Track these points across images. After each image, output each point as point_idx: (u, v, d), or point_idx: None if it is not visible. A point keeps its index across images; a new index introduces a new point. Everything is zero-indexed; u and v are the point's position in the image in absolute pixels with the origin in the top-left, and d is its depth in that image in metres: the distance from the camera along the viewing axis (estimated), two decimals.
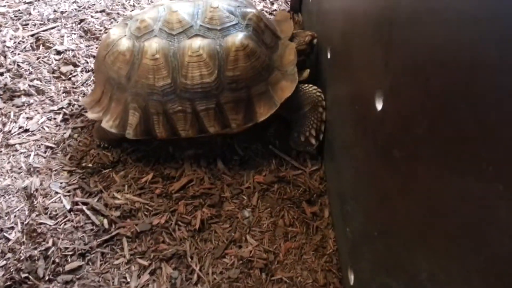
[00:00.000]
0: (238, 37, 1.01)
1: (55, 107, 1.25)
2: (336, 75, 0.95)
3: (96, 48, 1.43)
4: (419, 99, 0.47)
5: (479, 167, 0.35)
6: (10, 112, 1.24)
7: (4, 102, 1.27)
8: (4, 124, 1.20)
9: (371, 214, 0.64)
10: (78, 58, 1.39)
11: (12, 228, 0.98)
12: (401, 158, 0.51)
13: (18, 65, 1.36)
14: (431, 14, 0.44)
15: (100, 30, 1.49)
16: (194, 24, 1.03)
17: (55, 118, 1.23)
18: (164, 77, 1.01)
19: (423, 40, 0.46)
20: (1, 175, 1.08)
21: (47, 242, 0.93)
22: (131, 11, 1.60)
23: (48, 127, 1.20)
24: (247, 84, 1.03)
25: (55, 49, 1.42)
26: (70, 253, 0.92)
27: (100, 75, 1.10)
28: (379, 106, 0.59)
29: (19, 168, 1.09)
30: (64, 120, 1.22)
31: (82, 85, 1.32)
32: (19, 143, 1.15)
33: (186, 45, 1.00)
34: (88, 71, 1.36)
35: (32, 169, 1.09)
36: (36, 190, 1.03)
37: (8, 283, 0.87)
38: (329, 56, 1.01)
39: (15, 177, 1.07)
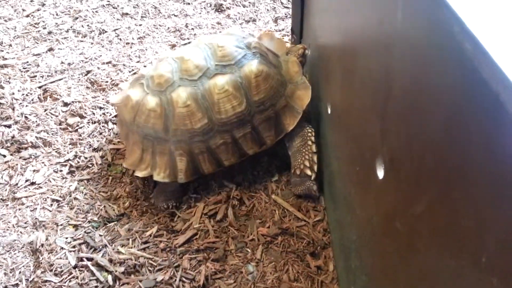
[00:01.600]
0: (253, 65, 1.10)
1: (61, 159, 1.27)
2: (336, 131, 0.98)
3: (103, 99, 1.48)
4: (416, 175, 0.49)
5: (474, 255, 0.36)
6: (17, 164, 1.26)
7: (11, 154, 1.30)
8: (11, 177, 1.23)
9: (374, 279, 0.65)
10: (85, 109, 1.43)
11: (17, 285, 0.98)
12: (403, 231, 0.52)
13: (26, 117, 1.40)
14: (425, 94, 0.47)
15: (107, 82, 1.54)
16: (210, 65, 1.11)
17: (61, 170, 1.25)
18: (200, 119, 1.08)
19: (417, 118, 0.49)
20: (7, 229, 1.09)
21: None
22: (136, 62, 1.65)
23: (54, 179, 1.22)
24: (272, 102, 1.13)
25: (62, 101, 1.46)
26: None
27: (133, 136, 1.13)
28: (380, 174, 0.61)
29: (25, 222, 1.11)
30: (70, 172, 1.24)
31: (88, 136, 1.35)
32: (26, 197, 1.17)
33: (211, 85, 1.08)
34: (94, 123, 1.40)
35: (38, 223, 1.10)
36: (42, 245, 1.04)
37: None
38: (329, 111, 1.04)
39: (21, 232, 1.08)
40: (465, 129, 0.38)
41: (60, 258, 1.02)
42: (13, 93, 1.48)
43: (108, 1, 2.02)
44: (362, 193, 0.72)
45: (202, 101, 1.08)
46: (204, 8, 2.00)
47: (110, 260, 1.01)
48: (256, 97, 1.11)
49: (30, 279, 0.98)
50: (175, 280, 0.97)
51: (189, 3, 2.03)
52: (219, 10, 1.98)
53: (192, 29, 1.84)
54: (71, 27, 1.84)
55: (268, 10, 2.00)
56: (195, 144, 1.09)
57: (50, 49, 1.71)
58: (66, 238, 1.06)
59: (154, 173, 1.10)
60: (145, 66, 1.60)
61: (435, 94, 0.44)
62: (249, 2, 2.01)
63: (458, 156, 0.40)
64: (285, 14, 1.97)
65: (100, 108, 1.45)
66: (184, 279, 0.98)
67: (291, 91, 1.17)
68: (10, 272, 1.00)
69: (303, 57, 1.29)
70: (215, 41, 1.14)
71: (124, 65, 1.63)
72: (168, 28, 1.86)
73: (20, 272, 1.00)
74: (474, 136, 0.37)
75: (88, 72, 1.59)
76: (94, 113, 1.43)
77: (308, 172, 1.13)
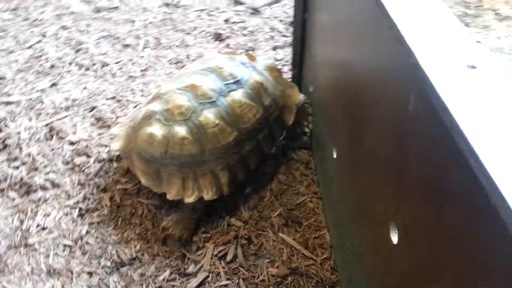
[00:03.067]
0: (256, 77, 1.30)
1: (71, 202, 1.29)
2: (343, 178, 1.01)
3: (108, 136, 1.50)
4: (435, 250, 0.52)
5: None
6: (27, 208, 1.28)
7: (20, 197, 1.32)
8: (21, 222, 1.24)
9: None
10: (91, 148, 1.45)
11: None
12: None
13: (33, 158, 1.42)
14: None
15: (111, 118, 1.57)
16: (221, 85, 1.24)
17: (71, 213, 1.27)
18: (230, 133, 1.20)
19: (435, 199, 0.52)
20: (22, 278, 1.11)
21: None
22: (140, 96, 1.68)
23: (65, 223, 1.24)
24: (275, 104, 1.34)
25: (68, 140, 1.48)
26: None
27: (167, 168, 1.17)
28: (394, 238, 0.64)
29: (39, 270, 1.12)
30: (80, 215, 1.26)
31: (95, 176, 1.37)
32: (38, 242, 1.19)
33: (230, 102, 1.22)
34: (100, 161, 1.42)
35: (52, 270, 1.12)
36: None
37: None
38: (334, 156, 1.07)
39: (36, 280, 1.10)
40: None
41: None
42: (19, 132, 1.50)
43: (109, 33, 2.04)
44: (373, 250, 0.75)
45: (227, 117, 1.20)
46: (204, 37, 2.03)
47: None
48: (266, 102, 1.29)
49: None
50: None
51: (189, 33, 2.07)
52: (219, 39, 2.01)
53: (194, 60, 1.87)
54: (73, 60, 1.87)
55: (266, 39, 2.04)
56: (230, 157, 1.21)
57: (54, 84, 1.73)
58: (82, 286, 1.08)
59: (203, 195, 1.17)
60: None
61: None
62: (248, 31, 2.05)
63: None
64: (284, 42, 2.01)
65: (105, 146, 1.47)
66: None
67: (283, 93, 1.39)
68: None
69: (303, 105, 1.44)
70: (212, 65, 1.29)
71: (127, 100, 1.65)
72: (170, 59, 1.89)
73: None
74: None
75: (93, 108, 1.62)
76: (99, 152, 1.45)
77: (306, 129, 1.42)
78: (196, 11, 2.26)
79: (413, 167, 0.57)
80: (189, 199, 1.16)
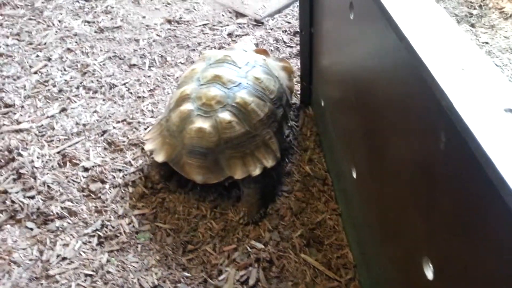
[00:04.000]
0: (258, 57, 1.48)
1: (89, 230, 1.29)
2: (365, 198, 1.00)
3: (121, 160, 1.50)
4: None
5: None
6: (46, 238, 1.27)
7: (38, 227, 1.31)
8: (41, 252, 1.24)
9: None
10: (105, 174, 1.45)
11: None
12: None
13: (48, 186, 1.41)
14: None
15: (124, 142, 1.56)
16: (237, 70, 1.39)
17: (90, 242, 1.26)
18: (264, 104, 1.36)
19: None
20: None
21: None
22: (150, 117, 1.68)
23: (84, 252, 1.24)
24: (280, 73, 1.52)
25: (82, 166, 1.48)
26: None
27: (225, 153, 1.27)
28: (429, 274, 0.63)
29: None
30: (100, 243, 1.26)
31: (112, 202, 1.37)
32: (59, 273, 1.19)
33: (253, 80, 1.38)
34: (116, 187, 1.42)
35: None
36: None
37: None
38: (354, 175, 1.07)
39: None
40: None
41: None
42: (33, 161, 1.50)
43: (115, 53, 2.04)
44: (404, 281, 0.74)
45: (257, 93, 1.35)
46: None
47: None
48: (276, 73, 1.48)
49: None
50: None
51: (193, 49, 2.06)
52: None
53: None
54: (81, 83, 1.86)
55: (272, 50, 2.03)
56: (272, 125, 1.36)
57: (63, 109, 1.73)
58: None
59: (265, 164, 1.28)
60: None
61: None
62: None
63: None
64: (289, 53, 2.01)
65: (119, 170, 1.47)
66: None
67: (279, 65, 1.57)
68: None
69: None
70: (220, 57, 1.43)
71: (138, 122, 1.65)
72: (177, 77, 1.89)
73: None
74: None
75: (104, 132, 1.61)
76: (114, 177, 1.45)
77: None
78: (198, 26, 2.26)
79: (443, 202, 0.57)
80: (255, 172, 1.26)
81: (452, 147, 0.51)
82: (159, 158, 1.31)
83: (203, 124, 1.25)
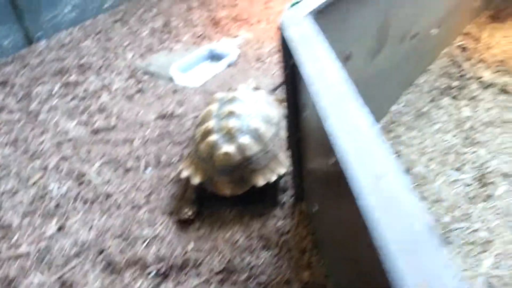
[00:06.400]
0: (262, 104, 1.80)
1: None
2: None
3: (119, 284, 1.48)
4: None
5: None
6: None
7: None
8: None
9: None
10: None
11: None
12: None
13: None
14: None
15: (121, 262, 1.56)
16: (246, 103, 1.77)
17: None
18: (271, 125, 1.74)
19: None
20: None
21: None
22: (148, 225, 1.68)
23: None
24: (278, 122, 1.78)
25: None
26: None
27: (249, 168, 1.63)
28: None
29: None
30: None
31: None
32: None
33: (260, 108, 1.77)
34: None
35: None
36: None
37: None
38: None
39: None
40: None
41: None
42: None
43: (110, 157, 2.08)
44: None
45: (265, 121, 1.71)
46: None
47: None
48: (273, 120, 1.77)
49: None
50: None
51: (186, 146, 2.10)
52: None
53: None
54: (77, 195, 1.88)
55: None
56: (278, 142, 1.72)
57: (61, 228, 1.73)
58: None
59: (280, 171, 1.67)
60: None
61: None
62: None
63: None
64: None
65: None
66: None
67: (277, 108, 1.87)
68: None
69: None
70: (229, 97, 1.80)
71: (135, 237, 1.65)
72: (171, 178, 1.91)
73: None
74: None
75: (102, 251, 1.61)
76: None
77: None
78: (190, 118, 2.31)
79: None
80: (273, 177, 1.62)
81: None
82: (196, 180, 1.66)
83: (228, 148, 1.59)
